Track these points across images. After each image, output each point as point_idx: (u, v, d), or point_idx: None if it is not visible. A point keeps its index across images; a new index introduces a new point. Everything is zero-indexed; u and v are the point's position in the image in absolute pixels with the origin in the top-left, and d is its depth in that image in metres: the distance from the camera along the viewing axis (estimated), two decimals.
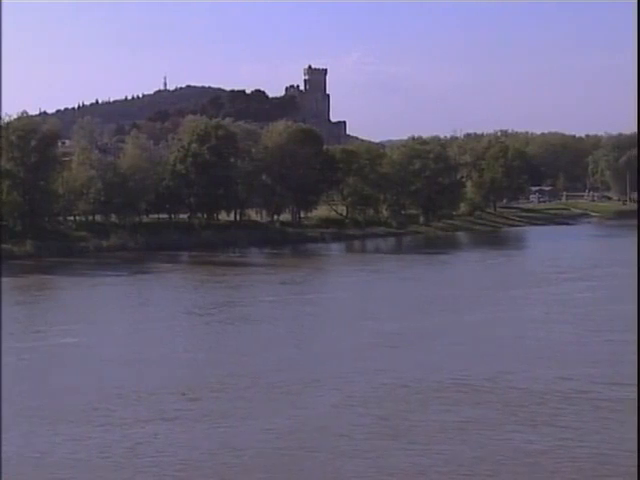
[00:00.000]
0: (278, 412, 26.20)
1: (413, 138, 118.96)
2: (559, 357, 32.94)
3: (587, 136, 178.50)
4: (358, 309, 47.13)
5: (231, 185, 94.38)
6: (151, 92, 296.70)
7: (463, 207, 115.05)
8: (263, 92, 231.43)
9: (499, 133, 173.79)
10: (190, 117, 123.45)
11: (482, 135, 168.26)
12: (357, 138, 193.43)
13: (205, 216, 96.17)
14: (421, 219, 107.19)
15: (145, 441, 23.67)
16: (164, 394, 28.34)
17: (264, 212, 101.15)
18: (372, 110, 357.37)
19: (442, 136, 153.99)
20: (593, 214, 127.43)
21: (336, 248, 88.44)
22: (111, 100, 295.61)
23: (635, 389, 27.23)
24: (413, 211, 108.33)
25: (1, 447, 22.93)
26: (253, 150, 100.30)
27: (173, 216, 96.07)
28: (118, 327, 41.98)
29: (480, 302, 47.78)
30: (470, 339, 37.07)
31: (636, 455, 20.93)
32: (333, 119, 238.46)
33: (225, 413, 26.23)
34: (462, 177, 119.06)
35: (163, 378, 30.63)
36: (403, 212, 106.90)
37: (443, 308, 45.96)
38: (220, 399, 27.87)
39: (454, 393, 28.00)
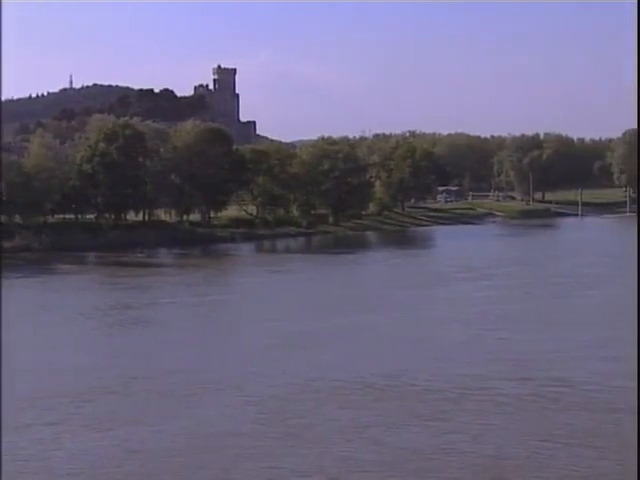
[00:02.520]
0: (173, 414, 25.84)
1: (323, 138, 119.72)
2: (458, 356, 33.36)
3: (492, 137, 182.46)
4: (261, 310, 46.90)
5: (139, 185, 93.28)
6: (56, 90, 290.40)
7: (372, 207, 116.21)
8: (172, 91, 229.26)
9: (407, 134, 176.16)
10: (97, 116, 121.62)
11: (390, 135, 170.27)
12: (267, 138, 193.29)
13: (113, 216, 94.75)
14: (331, 219, 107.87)
15: (29, 446, 22.86)
16: (53, 399, 27.38)
17: (173, 212, 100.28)
18: (282, 110, 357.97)
19: (351, 136, 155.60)
20: (498, 214, 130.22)
21: (246, 248, 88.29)
22: (14, 98, 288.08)
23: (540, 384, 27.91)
24: (323, 211, 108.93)
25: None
26: (162, 150, 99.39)
27: (80, 216, 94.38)
28: (11, 332, 40.42)
29: (383, 302, 48.17)
30: (372, 339, 37.29)
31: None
32: (243, 119, 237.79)
33: (117, 417, 25.63)
34: (371, 177, 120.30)
35: (53, 383, 29.68)
36: (313, 212, 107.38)
37: (347, 308, 46.12)
38: (113, 403, 27.24)
39: (354, 393, 28.08)
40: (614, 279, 55.89)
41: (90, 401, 27.34)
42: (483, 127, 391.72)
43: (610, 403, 26.35)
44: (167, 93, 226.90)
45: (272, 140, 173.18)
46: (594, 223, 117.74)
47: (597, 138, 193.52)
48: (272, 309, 46.77)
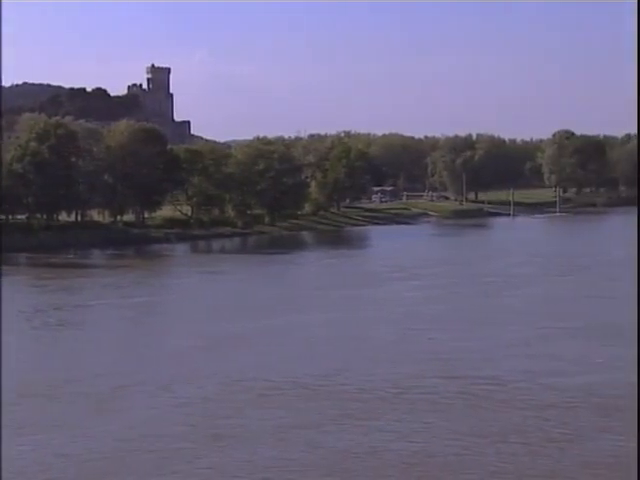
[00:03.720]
0: (100, 417, 25.77)
1: (258, 138, 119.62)
2: (389, 355, 33.78)
3: (426, 138, 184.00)
4: (192, 311, 46.85)
5: (72, 185, 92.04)
6: None
7: (307, 207, 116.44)
8: (105, 90, 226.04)
9: (342, 134, 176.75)
10: (28, 115, 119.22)
11: (326, 136, 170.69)
12: (202, 138, 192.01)
13: (45, 217, 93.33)
14: (266, 219, 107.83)
15: None
16: None
17: (107, 212, 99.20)
18: (217, 110, 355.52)
19: (287, 136, 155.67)
20: (432, 214, 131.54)
21: (180, 249, 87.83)
22: None
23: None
24: (258, 211, 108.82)
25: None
26: (95, 149, 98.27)
27: (10, 217, 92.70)
28: None
29: (316, 302, 48.49)
30: (304, 339, 37.53)
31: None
32: (177, 119, 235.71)
33: (42, 420, 25.46)
34: (306, 177, 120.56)
35: None
36: (249, 212, 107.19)
37: (280, 309, 46.31)
38: (38, 406, 27.07)
39: (286, 393, 28.31)
40: (542, 279, 57.07)
41: (15, 404, 27.00)
42: (417, 128, 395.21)
43: (537, 400, 27.03)
44: (100, 92, 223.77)
45: (207, 140, 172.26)
46: (525, 223, 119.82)
47: (528, 139, 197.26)
48: (203, 310, 46.70)
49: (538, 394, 27.71)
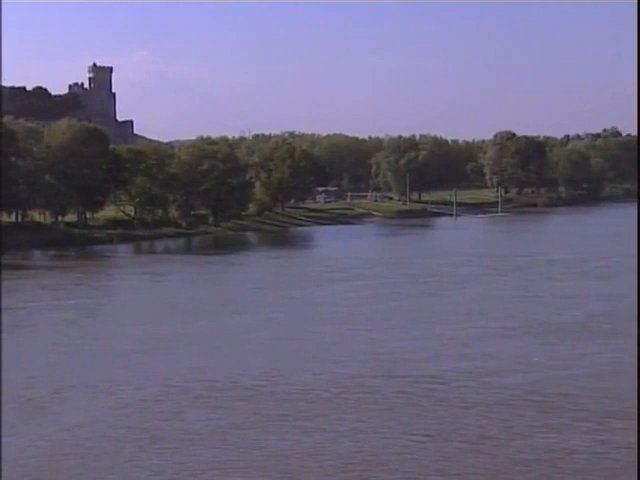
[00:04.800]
0: (33, 421, 25.54)
1: (202, 138, 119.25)
2: (330, 356, 33.93)
3: (370, 138, 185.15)
4: (131, 313, 46.60)
5: (11, 185, 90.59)
6: None
7: (252, 207, 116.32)
8: (45, 89, 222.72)
9: (286, 134, 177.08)
10: None
11: (270, 136, 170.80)
12: (145, 138, 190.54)
13: None
14: (210, 219, 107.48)
15: None
16: None
17: (48, 213, 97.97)
18: (160, 109, 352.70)
19: (231, 136, 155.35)
20: (376, 214, 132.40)
21: (123, 249, 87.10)
22: None
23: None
24: (202, 211, 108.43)
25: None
26: (35, 149, 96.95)
27: None
28: None
29: (257, 303, 48.48)
30: (244, 340, 37.53)
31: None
32: (120, 118, 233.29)
33: None
34: (251, 177, 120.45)
35: None
36: (193, 212, 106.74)
37: (220, 310, 46.28)
38: None
39: (224, 395, 28.31)
40: (482, 278, 57.88)
41: None
42: (361, 128, 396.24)
43: (476, 399, 27.43)
44: (40, 91, 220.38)
45: (150, 140, 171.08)
46: (467, 223, 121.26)
47: (470, 140, 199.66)
48: (143, 312, 46.42)
49: (477, 392, 28.16)
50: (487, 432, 24.13)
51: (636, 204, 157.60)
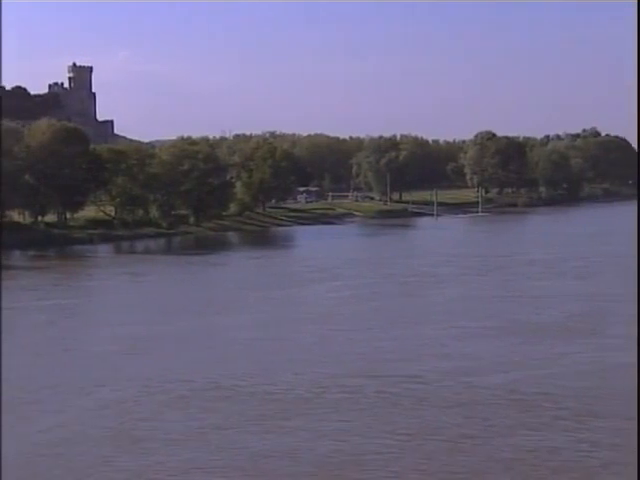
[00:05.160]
0: (8, 423, 25.06)
1: (182, 138, 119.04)
2: (310, 356, 33.94)
3: (351, 138, 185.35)
4: (110, 313, 46.25)
5: None
6: None
7: (233, 207, 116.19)
8: (24, 89, 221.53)
9: (267, 134, 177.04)
10: None
11: (251, 136, 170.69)
12: (125, 138, 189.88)
13: None
14: (191, 219, 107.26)
15: None
16: None
17: (27, 213, 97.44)
18: (140, 109, 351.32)
19: (211, 137, 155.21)
20: (357, 214, 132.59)
21: (103, 250, 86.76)
22: None
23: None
24: (183, 211, 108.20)
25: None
26: (15, 149, 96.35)
27: None
28: None
29: (237, 304, 48.42)
30: (224, 341, 37.52)
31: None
32: (100, 118, 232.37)
33: None
34: (232, 177, 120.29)
35: None
36: (173, 212, 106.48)
37: (200, 310, 46.17)
38: None
39: (203, 396, 28.24)
40: (462, 278, 58.07)
41: None
42: (342, 128, 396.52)
43: (456, 398, 27.55)
44: (20, 91, 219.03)
45: (131, 140, 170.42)
46: (448, 223, 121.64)
47: (451, 140, 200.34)
48: (122, 312, 46.17)
49: (457, 392, 28.28)
50: (467, 431, 24.25)
51: (613, 204, 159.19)
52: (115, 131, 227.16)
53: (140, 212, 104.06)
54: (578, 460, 21.96)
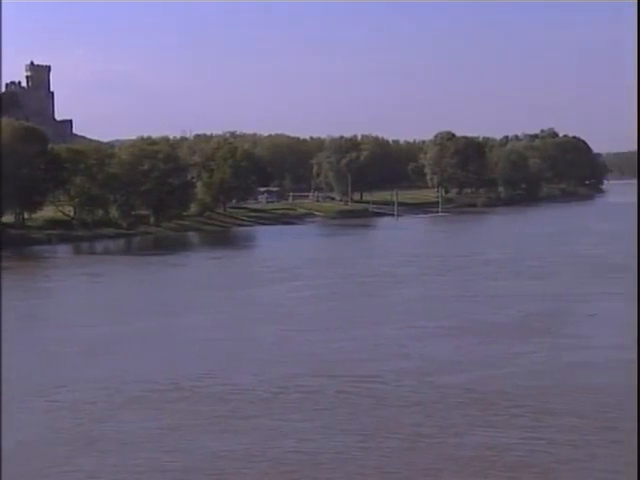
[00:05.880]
0: None
1: (142, 138, 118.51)
2: (268, 356, 33.88)
3: (311, 138, 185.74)
4: (67, 315, 45.71)
5: None
6: None
7: (193, 207, 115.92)
8: None
9: (228, 134, 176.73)
10: None
11: (211, 136, 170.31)
12: (85, 137, 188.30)
13: None
14: (152, 220, 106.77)
15: None
16: None
17: None
18: (100, 109, 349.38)
19: (172, 136, 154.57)
20: (317, 214, 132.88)
21: (62, 250, 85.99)
22: None
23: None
24: (143, 212, 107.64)
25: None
26: None
27: None
28: None
29: (197, 304, 48.18)
30: (182, 341, 37.35)
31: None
32: (59, 117, 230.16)
33: None
34: (192, 177, 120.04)
35: None
36: (133, 213, 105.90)
37: (158, 311, 45.89)
38: None
39: (162, 396, 28.12)
40: (421, 278, 58.45)
41: None
42: (303, 128, 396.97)
43: (415, 398, 27.67)
44: None
45: (90, 140, 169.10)
46: (408, 223, 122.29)
47: (411, 140, 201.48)
48: (80, 313, 45.76)
49: (416, 391, 28.45)
50: (425, 430, 24.44)
51: (570, 204, 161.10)
52: (74, 131, 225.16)
53: (99, 212, 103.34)
54: (535, 457, 22.24)
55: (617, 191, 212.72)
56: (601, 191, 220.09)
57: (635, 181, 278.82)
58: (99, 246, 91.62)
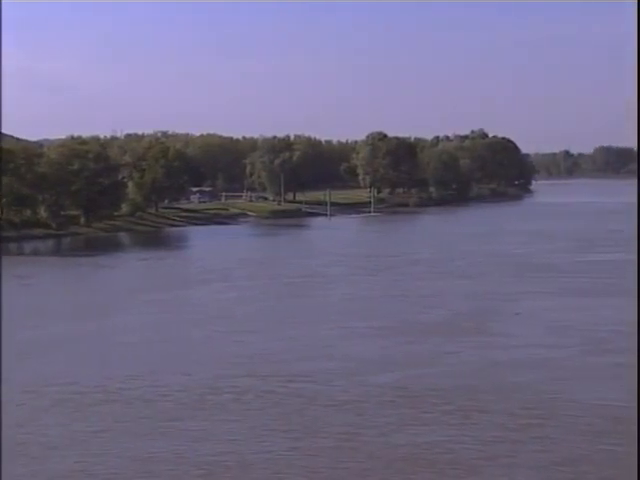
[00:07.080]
0: None
1: (72, 137, 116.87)
2: (197, 357, 33.88)
3: (244, 138, 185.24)
4: None
5: None
6: None
7: (125, 207, 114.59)
8: None
9: (159, 134, 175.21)
10: None
11: (143, 135, 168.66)
12: (12, 137, 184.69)
13: None
14: (82, 220, 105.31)
15: None
16: None
17: None
18: (27, 108, 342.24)
19: (102, 136, 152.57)
20: (250, 214, 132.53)
21: None
22: None
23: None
24: (74, 212, 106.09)
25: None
26: None
27: None
28: None
29: (126, 306, 47.85)
30: (111, 343, 37.14)
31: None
32: None
33: None
34: (123, 177, 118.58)
35: None
36: (63, 213, 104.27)
37: (88, 313, 45.51)
38: None
39: (89, 399, 27.96)
40: (351, 278, 58.78)
41: None
42: (235, 128, 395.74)
43: (344, 397, 28.00)
44: None
45: (18, 139, 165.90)
46: (340, 223, 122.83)
47: (344, 140, 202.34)
48: (5, 316, 44.81)
49: (345, 391, 28.70)
50: (354, 429, 24.70)
51: (500, 204, 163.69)
52: (2, 130, 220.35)
53: (28, 212, 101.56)
54: (461, 454, 22.66)
55: (545, 191, 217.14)
56: (529, 191, 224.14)
57: (561, 181, 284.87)
58: (28, 247, 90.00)
